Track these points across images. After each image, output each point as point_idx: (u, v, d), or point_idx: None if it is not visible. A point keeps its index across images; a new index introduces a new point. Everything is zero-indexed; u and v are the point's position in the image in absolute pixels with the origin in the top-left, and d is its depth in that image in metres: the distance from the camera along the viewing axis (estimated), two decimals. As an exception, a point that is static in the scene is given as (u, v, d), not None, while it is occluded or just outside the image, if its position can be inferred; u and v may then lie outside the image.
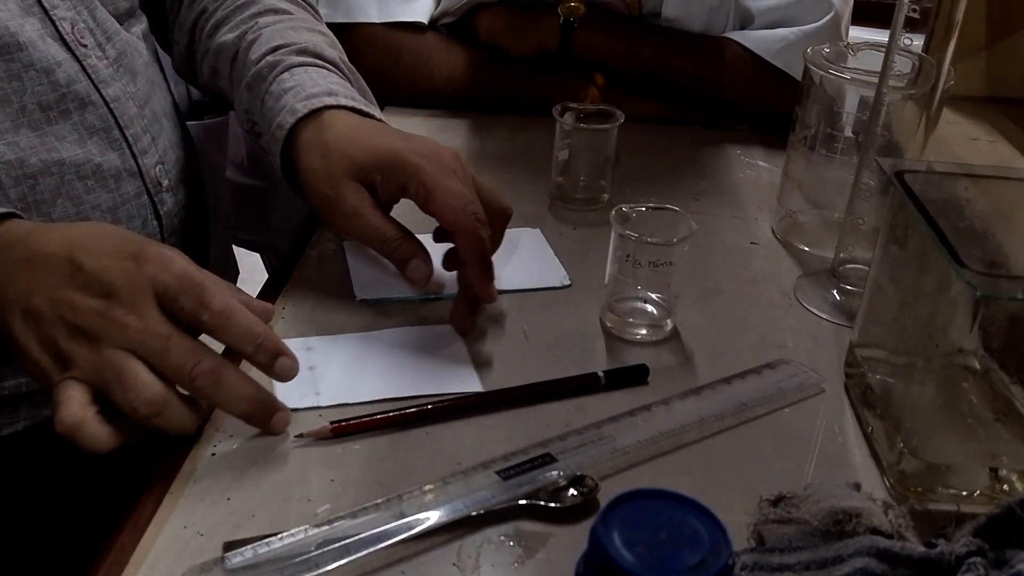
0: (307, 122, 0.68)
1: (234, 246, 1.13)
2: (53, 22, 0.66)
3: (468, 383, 0.62)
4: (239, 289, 0.59)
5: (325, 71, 0.73)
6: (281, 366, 0.55)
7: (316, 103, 0.69)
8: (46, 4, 0.66)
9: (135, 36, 0.77)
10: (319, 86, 0.71)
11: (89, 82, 0.67)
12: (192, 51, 0.83)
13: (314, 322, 0.68)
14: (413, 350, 0.65)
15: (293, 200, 0.75)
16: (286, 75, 0.71)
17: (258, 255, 1.38)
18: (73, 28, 0.67)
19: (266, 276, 0.98)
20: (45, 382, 0.52)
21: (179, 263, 0.53)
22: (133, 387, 0.50)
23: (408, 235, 0.67)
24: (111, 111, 0.69)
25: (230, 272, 1.02)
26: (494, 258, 0.66)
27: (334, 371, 0.62)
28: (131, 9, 0.78)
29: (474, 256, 0.64)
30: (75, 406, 0.50)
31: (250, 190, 1.20)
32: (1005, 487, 0.54)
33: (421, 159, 0.65)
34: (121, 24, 0.75)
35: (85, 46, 0.68)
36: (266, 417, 0.55)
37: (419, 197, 0.65)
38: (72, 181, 0.66)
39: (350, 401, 0.60)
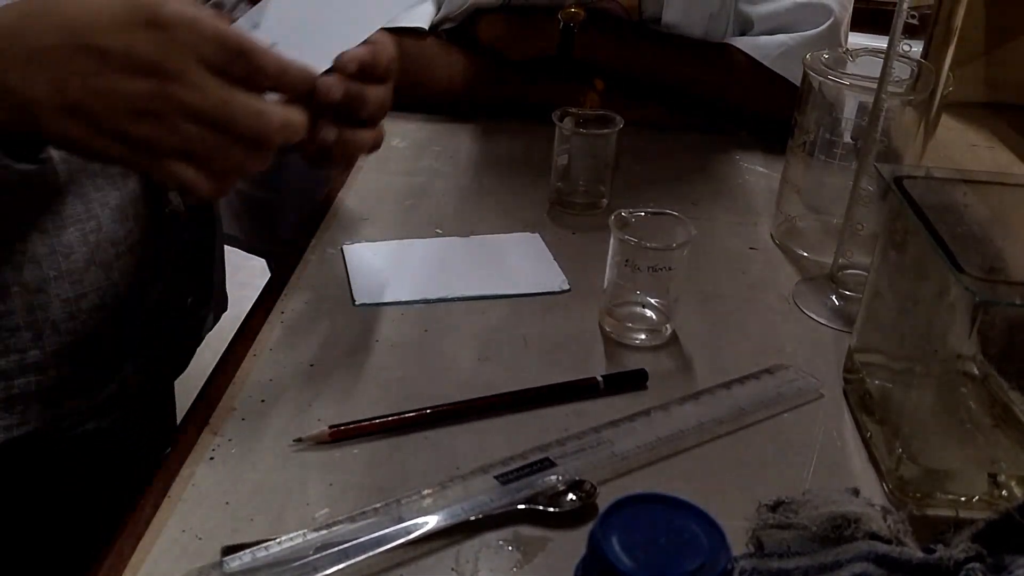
0: None
1: (235, 254, 1.12)
2: None
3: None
4: None
5: None
6: (327, 89, 0.55)
7: None
8: None
9: None
10: None
11: None
12: None
13: (312, 326, 0.68)
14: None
15: (302, 212, 0.74)
16: None
17: (263, 261, 1.38)
18: None
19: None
20: (125, 164, 0.53)
21: (206, 25, 0.51)
22: (234, 160, 0.51)
23: None
24: None
25: (222, 303, 1.00)
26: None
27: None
28: None
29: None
30: (206, 183, 0.52)
31: (259, 202, 1.20)
32: (1004, 493, 0.54)
33: None
34: None
35: None
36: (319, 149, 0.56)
37: None
38: (81, 178, 0.66)
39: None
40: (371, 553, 0.48)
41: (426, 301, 0.71)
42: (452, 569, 0.49)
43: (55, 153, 0.65)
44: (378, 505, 0.51)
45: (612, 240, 0.65)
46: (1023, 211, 0.61)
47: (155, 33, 0.50)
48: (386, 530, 0.49)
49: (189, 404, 0.60)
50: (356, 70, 0.57)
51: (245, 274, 1.43)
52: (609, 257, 0.66)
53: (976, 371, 0.58)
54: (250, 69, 0.51)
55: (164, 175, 0.52)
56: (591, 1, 0.99)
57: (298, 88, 0.54)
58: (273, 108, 0.52)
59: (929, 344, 0.54)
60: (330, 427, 0.57)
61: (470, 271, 0.75)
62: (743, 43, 0.98)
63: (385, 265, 0.75)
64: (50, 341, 0.64)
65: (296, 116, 0.53)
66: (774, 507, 0.49)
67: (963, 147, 1.07)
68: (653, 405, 0.60)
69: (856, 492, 0.49)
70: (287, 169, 1.01)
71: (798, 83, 0.80)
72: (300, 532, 0.49)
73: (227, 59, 0.51)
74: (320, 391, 0.61)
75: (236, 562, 0.47)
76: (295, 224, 1.19)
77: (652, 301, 0.69)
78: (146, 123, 0.50)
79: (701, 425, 0.59)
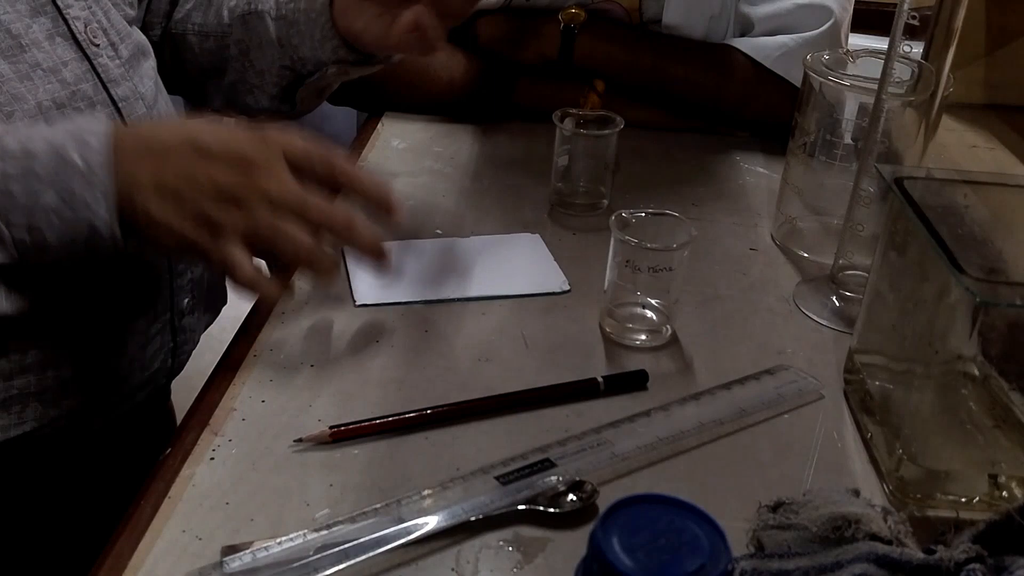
0: None
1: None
2: (66, 21, 0.66)
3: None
4: None
5: None
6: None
7: None
8: (60, 3, 0.66)
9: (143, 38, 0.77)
10: None
11: (97, 82, 0.68)
12: (168, 32, 0.86)
13: (312, 327, 0.68)
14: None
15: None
16: None
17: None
18: (86, 27, 0.68)
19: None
20: (195, 251, 0.58)
21: (299, 136, 0.60)
22: (294, 237, 0.58)
23: None
24: (119, 110, 0.69)
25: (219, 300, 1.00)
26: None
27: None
28: (136, 18, 0.78)
29: None
30: (248, 265, 0.58)
31: None
32: (1004, 493, 0.54)
33: None
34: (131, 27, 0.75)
35: (97, 45, 0.68)
36: (380, 256, 0.63)
37: None
38: None
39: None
40: (371, 553, 0.48)
41: (426, 301, 0.71)
42: (452, 570, 0.49)
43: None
44: (378, 505, 0.51)
45: (612, 241, 0.65)
46: (1023, 212, 0.62)
47: (255, 137, 0.59)
48: (386, 530, 0.49)
49: (189, 404, 0.60)
50: None
51: (245, 275, 1.43)
52: (609, 258, 0.66)
53: (976, 372, 0.58)
54: (328, 165, 0.61)
55: (220, 256, 0.57)
56: (592, 2, 0.99)
57: (368, 186, 0.63)
58: (342, 206, 0.60)
59: (930, 345, 0.54)
60: (330, 427, 0.57)
61: (470, 271, 0.75)
62: (744, 44, 0.98)
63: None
64: (50, 341, 0.64)
65: (368, 230, 0.61)
66: (774, 508, 0.49)
67: (964, 148, 1.07)
68: (653, 406, 0.60)
69: (856, 493, 0.49)
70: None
71: (798, 84, 0.80)
72: (300, 532, 0.49)
73: (309, 153, 0.60)
74: (320, 391, 0.61)
75: (236, 562, 0.47)
76: None
77: (652, 302, 0.69)
78: (226, 207, 0.57)
79: (701, 426, 0.59)
